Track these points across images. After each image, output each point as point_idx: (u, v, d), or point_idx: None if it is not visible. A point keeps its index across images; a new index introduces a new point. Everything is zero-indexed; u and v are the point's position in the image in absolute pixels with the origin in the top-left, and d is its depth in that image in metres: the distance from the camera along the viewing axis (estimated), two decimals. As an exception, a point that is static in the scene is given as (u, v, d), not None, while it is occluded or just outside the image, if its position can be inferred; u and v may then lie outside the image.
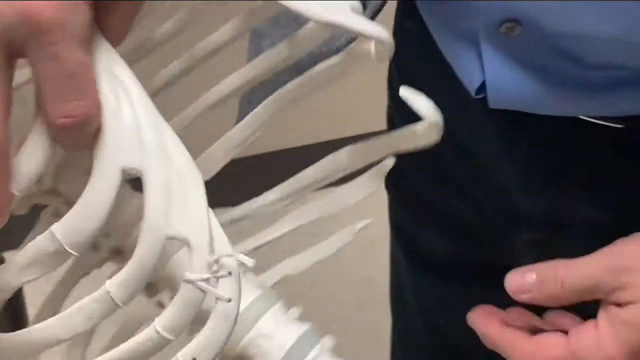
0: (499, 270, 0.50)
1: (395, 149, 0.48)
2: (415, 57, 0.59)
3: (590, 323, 0.49)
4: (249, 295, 0.46)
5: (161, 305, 0.46)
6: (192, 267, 0.38)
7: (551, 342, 0.49)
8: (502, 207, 0.58)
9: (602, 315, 0.48)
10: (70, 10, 0.35)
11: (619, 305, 0.48)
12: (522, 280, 0.49)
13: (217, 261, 0.37)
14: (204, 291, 0.37)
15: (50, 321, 0.39)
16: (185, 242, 0.38)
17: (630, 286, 0.47)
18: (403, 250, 0.69)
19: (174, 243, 0.38)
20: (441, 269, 0.66)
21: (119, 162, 0.38)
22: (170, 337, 0.38)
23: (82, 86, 0.36)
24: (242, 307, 0.43)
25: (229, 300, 0.38)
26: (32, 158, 0.38)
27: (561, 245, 0.55)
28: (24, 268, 0.39)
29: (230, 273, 0.38)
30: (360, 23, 0.42)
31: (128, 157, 0.38)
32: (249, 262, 0.38)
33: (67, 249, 0.38)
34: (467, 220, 0.61)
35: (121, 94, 0.38)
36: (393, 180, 0.63)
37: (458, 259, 0.64)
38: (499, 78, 0.51)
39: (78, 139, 0.37)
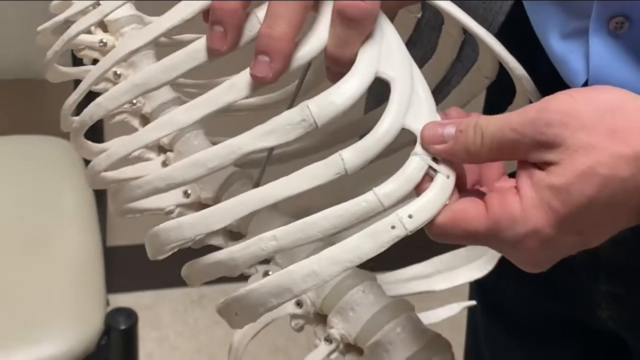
0: (579, 331, 0.52)
1: None
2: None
3: (510, 190, 0.44)
4: (383, 298, 0.51)
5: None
6: (418, 149, 0.45)
7: (469, 213, 0.44)
8: (583, 257, 0.55)
9: (523, 180, 0.44)
10: None
11: (541, 168, 0.43)
12: (440, 130, 0.45)
13: None
14: (430, 168, 0.44)
15: (275, 182, 0.45)
16: (416, 133, 0.45)
17: (555, 144, 0.43)
18: (484, 305, 0.68)
19: None
20: (521, 326, 0.65)
21: (376, 67, 0.46)
22: (385, 202, 0.44)
23: None
24: (378, 306, 0.49)
25: (448, 177, 0.44)
26: (313, 41, 0.46)
27: None
28: (263, 135, 0.46)
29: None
30: (513, 59, 0.54)
31: (384, 65, 0.47)
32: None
33: (315, 119, 0.45)
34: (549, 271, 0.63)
35: (383, 19, 0.48)
36: None
37: (538, 314, 0.63)
38: (603, 75, 0.51)
39: (350, 34, 0.46)
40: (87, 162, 1.15)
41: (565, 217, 0.43)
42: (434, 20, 0.59)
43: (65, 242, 1.08)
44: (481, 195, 0.45)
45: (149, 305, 1.60)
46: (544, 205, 0.43)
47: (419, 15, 0.58)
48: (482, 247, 0.60)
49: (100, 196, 1.17)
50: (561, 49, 0.54)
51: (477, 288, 0.72)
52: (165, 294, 1.63)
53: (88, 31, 0.57)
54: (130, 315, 0.95)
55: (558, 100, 0.43)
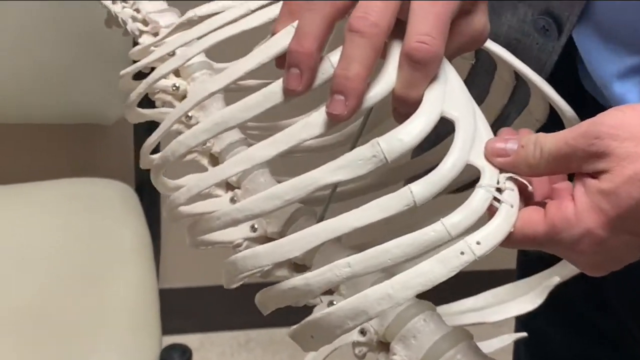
0: None
1: None
2: None
3: (566, 197, 0.48)
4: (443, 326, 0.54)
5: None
6: (483, 181, 0.48)
7: (529, 219, 0.48)
8: (632, 305, 0.60)
9: (577, 187, 0.48)
10: None
11: (594, 176, 0.48)
12: (503, 144, 0.50)
13: (503, 180, 0.48)
14: (494, 198, 0.47)
15: (346, 214, 0.48)
16: (480, 168, 0.49)
17: (605, 154, 0.47)
18: (530, 352, 0.70)
19: None
20: None
21: (441, 107, 0.50)
22: (452, 232, 0.47)
23: (440, 27, 0.49)
24: (439, 334, 0.52)
25: (512, 206, 0.48)
26: (383, 82, 0.50)
27: None
28: (337, 168, 0.49)
29: (512, 189, 0.48)
30: (564, 103, 0.57)
31: (449, 106, 0.50)
32: (526, 182, 0.48)
33: (385, 155, 0.48)
34: (597, 319, 0.64)
35: (446, 63, 0.51)
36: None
37: (581, 357, 0.66)
38: None
39: (416, 76, 0.49)
40: (144, 204, 1.20)
41: (615, 218, 0.47)
42: (487, 64, 0.62)
43: (122, 283, 1.10)
44: (543, 205, 0.49)
45: (196, 348, 1.61)
46: (595, 208, 0.47)
47: (473, 62, 0.62)
48: (531, 280, 0.63)
49: (155, 239, 1.20)
50: (619, 88, 0.58)
51: (522, 327, 0.75)
52: (213, 336, 1.65)
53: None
54: (184, 352, 0.98)
55: (609, 115, 0.48)
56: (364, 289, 0.49)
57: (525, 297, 0.61)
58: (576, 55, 0.62)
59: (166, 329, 1.09)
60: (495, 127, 0.61)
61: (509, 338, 0.61)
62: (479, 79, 0.63)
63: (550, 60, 0.60)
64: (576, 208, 0.48)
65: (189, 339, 1.61)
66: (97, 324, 1.05)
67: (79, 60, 1.19)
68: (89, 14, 1.16)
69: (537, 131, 0.62)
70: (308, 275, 0.49)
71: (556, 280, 0.60)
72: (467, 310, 0.61)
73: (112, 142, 1.42)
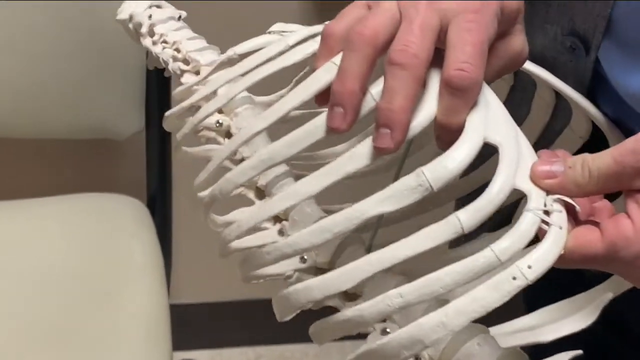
0: None
1: None
2: None
3: (622, 216, 0.49)
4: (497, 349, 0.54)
5: None
6: (530, 205, 0.48)
7: (587, 240, 0.49)
8: None
9: (631, 206, 0.49)
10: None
11: None
12: (550, 167, 0.50)
13: (550, 202, 0.49)
14: (542, 222, 0.48)
15: (395, 244, 0.49)
16: (526, 192, 0.49)
17: None
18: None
19: None
20: None
21: (484, 133, 0.50)
22: (502, 258, 0.47)
23: (478, 54, 0.50)
24: (494, 357, 0.52)
25: (560, 228, 0.48)
26: (424, 111, 0.51)
27: None
28: (384, 199, 0.50)
29: (560, 211, 0.48)
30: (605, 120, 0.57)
31: (491, 130, 0.51)
32: (573, 203, 0.49)
33: (431, 184, 0.49)
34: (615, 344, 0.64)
35: (486, 88, 0.52)
36: None
37: None
38: None
39: (457, 103, 0.50)
40: (155, 219, 1.22)
41: None
42: (526, 84, 0.63)
43: (133, 298, 1.11)
44: (595, 224, 0.50)
45: (206, 364, 1.64)
46: None
47: (512, 84, 0.62)
48: (584, 297, 0.63)
49: (166, 256, 1.21)
50: None
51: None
52: (223, 352, 1.65)
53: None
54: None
55: None
56: (416, 315, 0.50)
57: (578, 314, 0.61)
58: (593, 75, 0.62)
59: (177, 345, 1.11)
60: (538, 146, 0.61)
61: (565, 356, 0.61)
62: (519, 99, 0.63)
63: (585, 77, 0.61)
64: (634, 225, 0.48)
65: (199, 355, 1.64)
66: (108, 339, 1.06)
67: (92, 76, 1.21)
68: (102, 29, 1.17)
69: (580, 149, 0.63)
70: (361, 307, 0.50)
71: (609, 296, 0.60)
72: (519, 329, 0.62)
73: (124, 158, 1.44)
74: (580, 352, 0.62)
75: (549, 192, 0.49)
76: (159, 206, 1.27)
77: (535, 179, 0.50)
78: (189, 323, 1.59)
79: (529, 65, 0.59)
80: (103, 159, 1.45)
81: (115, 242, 1.18)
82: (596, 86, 0.62)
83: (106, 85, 1.21)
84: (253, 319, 1.57)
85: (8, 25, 1.17)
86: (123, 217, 1.22)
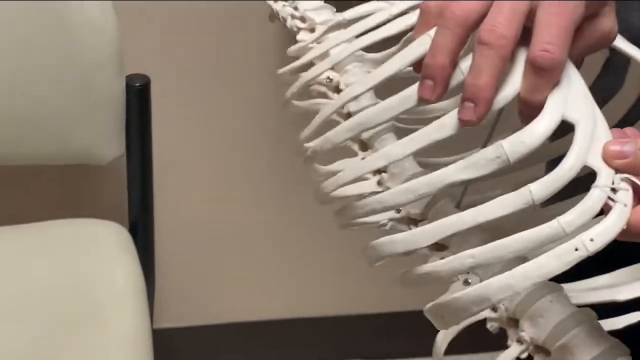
0: None
1: None
2: None
3: None
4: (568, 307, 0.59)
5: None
6: (599, 182, 0.52)
7: None
8: None
9: None
10: None
11: None
12: (620, 147, 0.52)
13: (618, 180, 0.52)
14: (610, 199, 0.52)
15: (472, 210, 0.54)
16: (597, 170, 0.53)
17: None
18: None
19: None
20: None
21: (563, 111, 0.54)
22: (567, 229, 0.52)
23: (563, 36, 0.53)
24: (564, 314, 0.56)
25: (625, 206, 0.52)
26: (509, 87, 0.55)
27: None
28: (462, 169, 0.54)
29: (627, 190, 0.52)
30: None
31: (570, 109, 0.54)
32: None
33: (508, 156, 0.53)
34: None
35: (570, 67, 0.56)
36: None
37: None
38: None
39: (540, 82, 0.54)
40: (138, 244, 1.23)
41: None
42: (621, 60, 0.65)
43: (115, 324, 1.12)
44: None
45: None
46: None
47: (607, 55, 0.65)
48: None
49: (149, 280, 1.21)
50: None
51: None
52: None
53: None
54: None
55: None
56: (496, 270, 0.54)
57: None
58: None
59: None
60: (624, 123, 0.64)
61: (638, 316, 0.64)
62: (613, 73, 0.66)
63: None
64: None
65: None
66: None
67: (72, 101, 1.19)
68: (81, 55, 1.16)
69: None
70: (438, 263, 0.55)
71: None
72: (597, 287, 0.65)
73: (105, 183, 1.43)
74: (658, 310, 0.65)
75: (618, 170, 0.53)
76: (141, 230, 1.26)
77: (607, 158, 0.53)
78: (174, 347, 1.60)
79: (622, 44, 0.62)
80: (84, 184, 1.45)
81: (97, 267, 1.18)
82: None
83: (86, 110, 1.19)
84: (238, 343, 1.60)
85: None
86: (105, 242, 1.21)
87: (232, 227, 1.53)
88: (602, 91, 0.57)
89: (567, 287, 0.62)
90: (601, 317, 0.59)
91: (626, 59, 0.64)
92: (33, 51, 1.17)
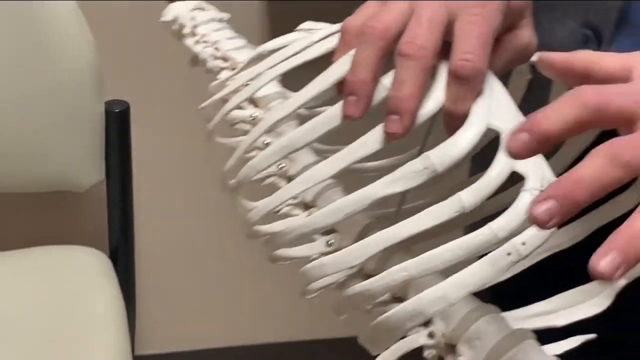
0: None
1: None
2: None
3: None
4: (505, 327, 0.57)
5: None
6: (527, 185, 0.51)
7: None
8: None
9: None
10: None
11: None
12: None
13: (546, 184, 0.51)
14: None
15: (404, 221, 0.52)
16: (524, 174, 0.52)
17: None
18: None
19: None
20: None
21: (487, 119, 0.54)
22: (500, 234, 0.50)
23: (482, 45, 0.53)
24: (502, 335, 0.55)
25: None
26: (433, 99, 0.54)
27: None
28: (390, 182, 0.53)
29: None
30: None
31: (495, 119, 0.54)
32: None
33: (436, 167, 0.52)
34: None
35: (492, 78, 0.55)
36: None
37: None
38: None
39: (463, 91, 0.53)
40: (118, 271, 1.21)
41: None
42: (544, 78, 0.65)
43: (96, 350, 1.11)
44: None
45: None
46: None
47: (530, 77, 0.65)
48: (597, 285, 0.65)
49: (129, 306, 1.20)
50: None
51: None
52: None
53: (241, 107, 0.67)
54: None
55: None
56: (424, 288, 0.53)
57: (593, 300, 0.63)
58: None
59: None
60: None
61: (578, 339, 0.63)
62: (538, 91, 0.66)
63: None
64: None
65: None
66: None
67: (50, 127, 1.20)
68: (60, 80, 1.17)
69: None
70: (368, 281, 0.53)
71: (623, 282, 0.62)
72: (535, 314, 0.64)
73: (85, 209, 1.44)
74: (593, 335, 0.64)
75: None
76: (122, 257, 1.26)
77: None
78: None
79: None
80: (64, 210, 1.45)
81: (77, 294, 1.18)
82: None
83: (65, 136, 1.20)
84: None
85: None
86: (85, 269, 1.21)
87: (213, 252, 1.54)
88: (528, 112, 0.56)
89: (504, 315, 0.60)
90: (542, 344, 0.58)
91: (549, 79, 0.64)
92: (11, 76, 1.17)
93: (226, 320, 1.58)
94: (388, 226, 0.63)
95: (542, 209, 0.43)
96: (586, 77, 0.52)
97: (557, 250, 0.63)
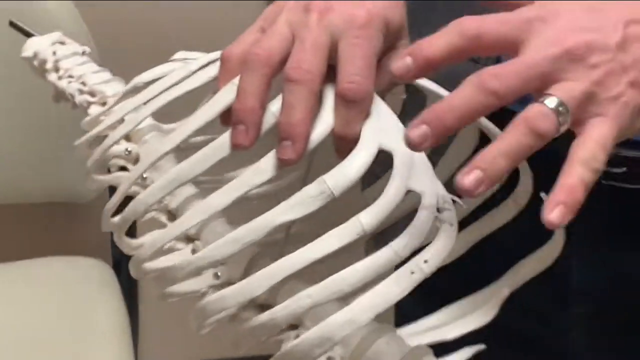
0: None
1: None
2: None
3: None
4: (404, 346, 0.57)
5: None
6: (424, 203, 0.52)
7: None
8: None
9: None
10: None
11: None
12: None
13: (442, 201, 0.52)
14: (436, 219, 0.51)
15: (303, 248, 0.52)
16: (420, 193, 0.53)
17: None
18: None
19: None
20: None
21: (379, 141, 0.54)
22: (401, 254, 0.51)
23: (367, 67, 0.54)
24: (401, 355, 0.55)
25: (451, 225, 0.51)
26: (322, 123, 0.54)
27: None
28: (288, 208, 0.53)
29: (450, 209, 0.52)
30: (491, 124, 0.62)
31: (384, 138, 0.54)
32: (461, 202, 0.52)
33: (332, 190, 0.52)
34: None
35: (377, 99, 0.56)
36: None
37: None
38: None
39: (352, 114, 0.53)
40: (121, 282, 1.19)
41: None
42: (418, 97, 0.66)
43: None
44: None
45: None
46: None
47: (404, 97, 0.66)
48: (482, 294, 0.66)
49: (133, 318, 1.20)
50: None
51: None
52: None
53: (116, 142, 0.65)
54: None
55: None
56: (325, 315, 0.52)
57: (479, 311, 0.65)
58: None
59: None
60: (437, 150, 0.65)
61: (469, 351, 0.64)
62: (412, 111, 0.67)
63: None
64: None
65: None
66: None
67: (53, 139, 1.20)
68: None
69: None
70: (273, 310, 0.52)
71: (506, 292, 0.64)
72: (426, 329, 0.65)
73: (88, 220, 1.43)
74: (483, 346, 0.65)
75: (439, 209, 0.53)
76: (125, 268, 1.22)
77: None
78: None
79: (419, 80, 0.63)
80: (67, 221, 1.44)
81: (80, 306, 1.17)
82: None
83: (68, 148, 1.17)
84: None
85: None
86: (88, 280, 1.21)
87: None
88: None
89: (399, 332, 0.61)
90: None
91: (423, 98, 0.66)
92: (19, 90, 1.16)
93: (231, 332, 1.52)
94: (276, 252, 0.63)
95: (417, 133, 0.48)
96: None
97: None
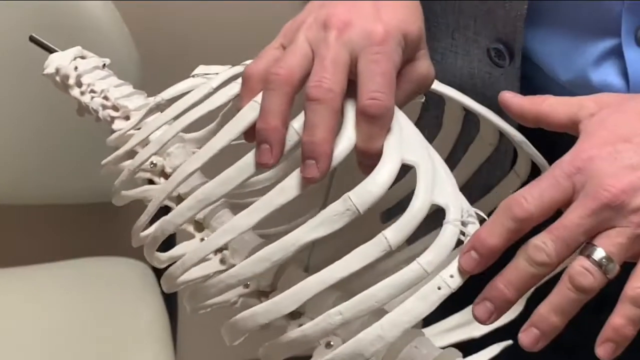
0: None
1: None
2: None
3: None
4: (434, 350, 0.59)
5: None
6: (449, 217, 0.53)
7: None
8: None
9: None
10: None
11: None
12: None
13: (466, 214, 0.53)
14: (461, 233, 0.52)
15: (332, 266, 0.53)
16: (444, 206, 0.54)
17: None
18: None
19: None
20: None
21: (402, 155, 0.55)
22: (428, 269, 0.52)
23: (387, 82, 0.54)
24: (431, 358, 0.57)
25: None
26: (345, 139, 0.55)
27: None
28: (316, 226, 0.54)
29: (474, 222, 0.53)
30: (511, 128, 0.62)
31: (407, 153, 0.55)
32: (484, 215, 0.53)
33: (357, 208, 0.53)
34: None
35: (399, 113, 0.57)
36: None
37: None
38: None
39: (374, 130, 0.54)
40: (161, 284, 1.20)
41: None
42: (437, 100, 0.67)
43: None
44: None
45: None
46: None
47: (422, 100, 0.67)
48: None
49: (172, 319, 1.20)
50: (597, 75, 0.63)
51: None
52: None
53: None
54: None
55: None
56: (355, 328, 0.54)
57: None
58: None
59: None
60: (453, 155, 0.66)
61: (497, 348, 0.65)
62: (431, 116, 0.68)
63: (515, 86, 0.66)
64: None
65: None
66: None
67: (91, 139, 1.16)
68: None
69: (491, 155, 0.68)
70: (305, 327, 0.54)
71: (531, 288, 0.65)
72: (453, 327, 0.66)
73: (126, 220, 1.43)
74: (510, 342, 0.67)
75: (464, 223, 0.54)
76: (164, 268, 1.24)
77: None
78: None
79: (437, 85, 0.64)
80: (106, 222, 1.44)
81: (120, 306, 1.17)
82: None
83: (106, 148, 1.18)
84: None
85: (9, 96, 1.18)
86: (128, 280, 1.21)
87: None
88: (424, 130, 0.58)
89: (424, 331, 0.62)
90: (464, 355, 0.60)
91: (442, 102, 0.66)
92: (55, 91, 1.13)
93: (271, 332, 1.52)
94: (303, 256, 0.64)
95: (481, 310, 0.53)
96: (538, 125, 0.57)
97: None
